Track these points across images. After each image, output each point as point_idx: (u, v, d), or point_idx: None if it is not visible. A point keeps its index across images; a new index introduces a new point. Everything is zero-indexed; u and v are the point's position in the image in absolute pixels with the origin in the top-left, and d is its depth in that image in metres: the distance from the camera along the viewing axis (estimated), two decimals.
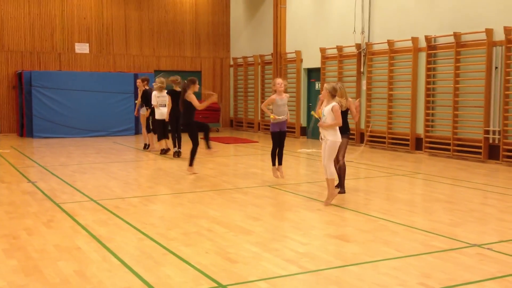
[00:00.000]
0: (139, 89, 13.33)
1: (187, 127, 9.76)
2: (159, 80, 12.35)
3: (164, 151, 12.39)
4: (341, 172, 7.92)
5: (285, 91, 8.97)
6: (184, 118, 9.80)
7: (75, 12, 18.42)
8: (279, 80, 8.71)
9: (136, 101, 13.79)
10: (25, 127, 17.03)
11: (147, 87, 13.10)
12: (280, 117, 8.64)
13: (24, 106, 16.91)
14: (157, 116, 12.28)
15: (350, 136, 8.60)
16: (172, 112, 11.68)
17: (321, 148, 7.26)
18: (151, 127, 13.09)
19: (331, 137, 7.01)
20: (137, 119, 16.52)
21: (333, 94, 6.99)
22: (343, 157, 7.89)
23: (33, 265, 4.80)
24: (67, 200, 7.63)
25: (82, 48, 18.62)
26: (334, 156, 7.16)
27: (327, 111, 6.97)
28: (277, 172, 8.94)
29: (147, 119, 13.10)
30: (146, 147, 13.43)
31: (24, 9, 17.77)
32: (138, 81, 13.41)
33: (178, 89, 11.42)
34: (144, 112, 13.07)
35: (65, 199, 7.70)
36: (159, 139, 12.54)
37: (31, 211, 6.90)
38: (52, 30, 18.16)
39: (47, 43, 18.13)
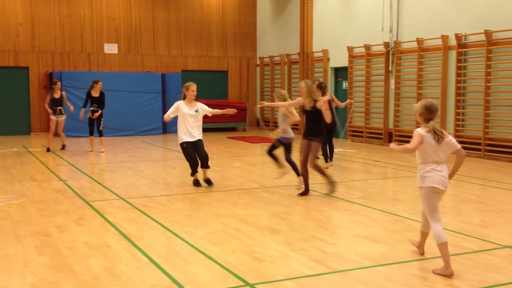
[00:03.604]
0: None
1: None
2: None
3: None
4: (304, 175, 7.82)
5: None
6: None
7: (104, 13, 18.69)
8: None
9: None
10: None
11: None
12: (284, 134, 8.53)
13: None
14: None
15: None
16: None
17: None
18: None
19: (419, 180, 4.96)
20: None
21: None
22: (312, 162, 7.69)
23: (63, 262, 4.89)
24: (97, 198, 7.75)
25: (111, 48, 18.88)
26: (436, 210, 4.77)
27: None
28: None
29: (92, 120, 13.10)
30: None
31: (54, 10, 18.11)
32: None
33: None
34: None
35: (95, 197, 7.82)
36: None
37: (62, 209, 7.03)
38: (82, 31, 18.47)
39: (77, 44, 18.44)
